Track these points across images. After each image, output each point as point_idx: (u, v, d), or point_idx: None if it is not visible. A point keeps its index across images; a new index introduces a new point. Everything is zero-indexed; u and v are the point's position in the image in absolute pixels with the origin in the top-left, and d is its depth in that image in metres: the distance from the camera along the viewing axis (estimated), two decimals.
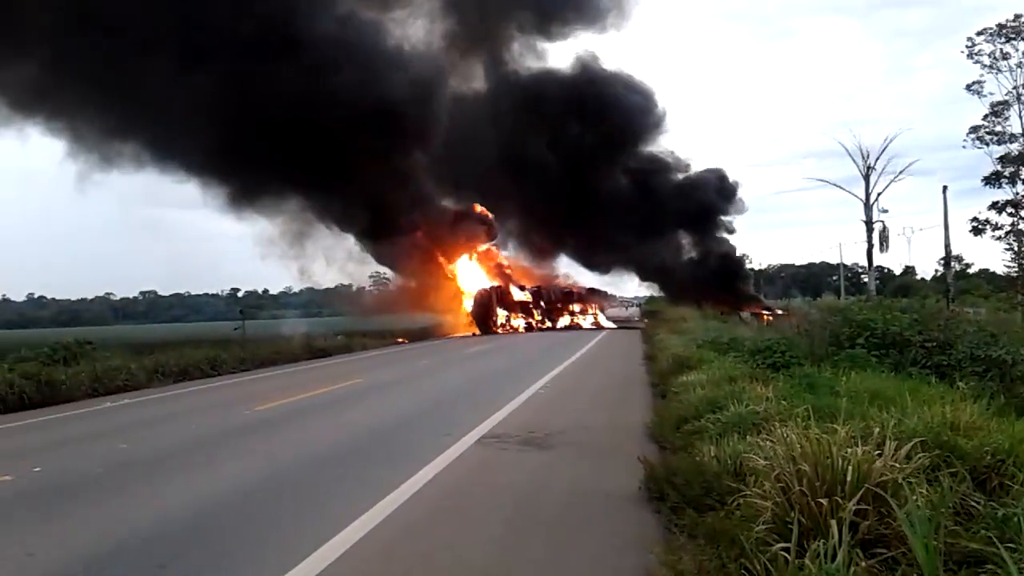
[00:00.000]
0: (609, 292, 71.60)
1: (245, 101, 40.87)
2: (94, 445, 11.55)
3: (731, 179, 57.56)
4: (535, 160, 50.19)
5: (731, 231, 56.37)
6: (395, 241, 48.19)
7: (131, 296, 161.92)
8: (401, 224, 47.68)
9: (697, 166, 57.72)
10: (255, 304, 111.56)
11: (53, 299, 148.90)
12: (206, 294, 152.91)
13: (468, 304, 51.82)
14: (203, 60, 40.28)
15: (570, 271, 61.43)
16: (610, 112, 51.15)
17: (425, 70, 46.21)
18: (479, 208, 53.34)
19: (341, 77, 40.92)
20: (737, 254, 57.07)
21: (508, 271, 57.11)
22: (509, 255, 59.02)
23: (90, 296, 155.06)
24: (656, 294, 68.55)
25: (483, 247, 54.39)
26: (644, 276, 61.09)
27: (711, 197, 54.72)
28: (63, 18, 38.24)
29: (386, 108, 41.50)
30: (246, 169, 44.82)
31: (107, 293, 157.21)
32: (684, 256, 57.01)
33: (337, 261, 53.85)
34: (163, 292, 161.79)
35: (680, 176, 56.09)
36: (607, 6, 53.79)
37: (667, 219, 54.44)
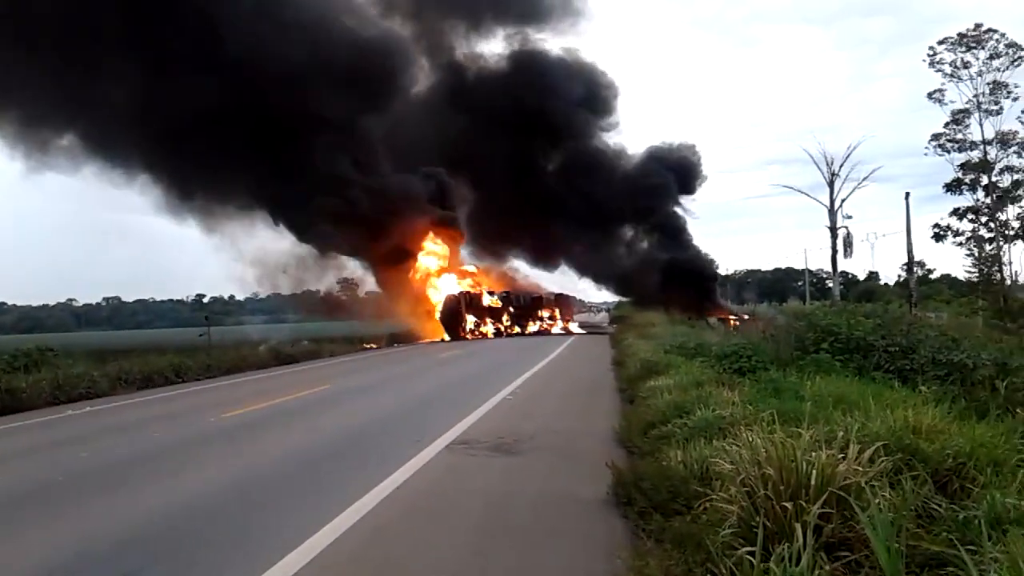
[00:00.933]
0: (578, 297, 71.79)
1: (176, 87, 39.59)
2: (55, 454, 11.38)
3: (690, 160, 56.74)
4: (479, 157, 49.59)
5: (677, 235, 55.62)
6: (345, 230, 45.82)
7: (94, 302, 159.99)
8: (344, 212, 44.79)
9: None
10: (221, 310, 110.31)
11: (14, 305, 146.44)
12: (171, 300, 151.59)
13: (438, 309, 51.63)
14: (130, 48, 39.07)
15: (526, 274, 61.30)
16: (552, 106, 50.26)
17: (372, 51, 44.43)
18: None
19: (277, 59, 39.42)
20: (700, 256, 56.40)
21: (477, 276, 57.04)
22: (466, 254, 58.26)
23: (52, 302, 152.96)
24: (624, 299, 68.70)
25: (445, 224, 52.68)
26: (584, 273, 60.31)
27: (662, 195, 53.99)
28: None
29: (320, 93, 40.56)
30: (183, 163, 43.39)
31: (69, 299, 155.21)
32: (634, 256, 56.73)
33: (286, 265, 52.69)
34: (127, 298, 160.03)
35: (628, 170, 55.29)
36: (560, 11, 53.66)
37: (612, 218, 54.16)
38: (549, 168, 53.90)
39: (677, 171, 55.13)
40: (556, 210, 51.63)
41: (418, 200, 47.05)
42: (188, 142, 41.53)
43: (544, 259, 58.79)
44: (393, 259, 49.28)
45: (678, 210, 56.49)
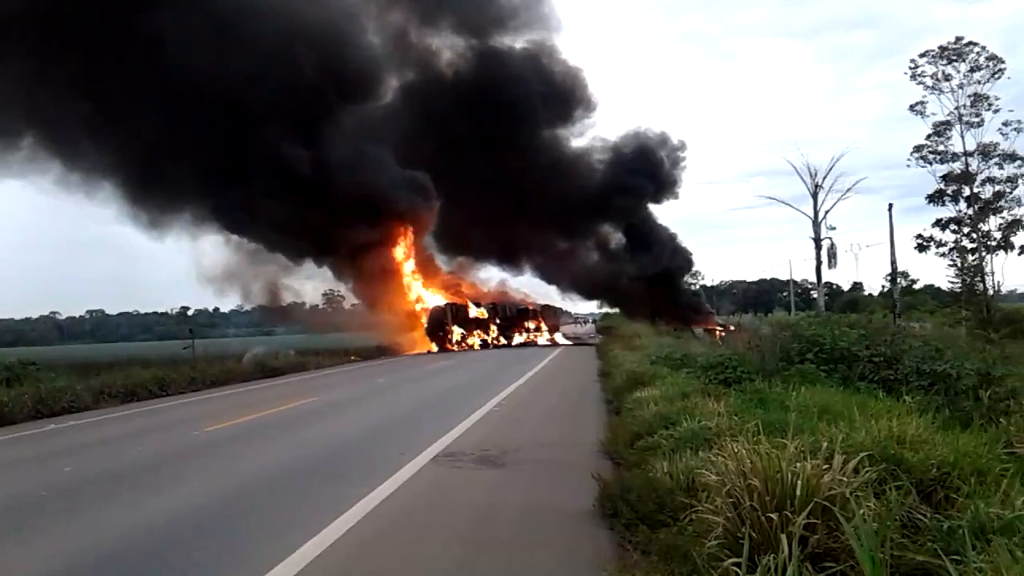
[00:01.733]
0: (564, 308, 71.64)
1: (125, 87, 38.58)
2: (37, 468, 11.28)
3: (661, 158, 55.70)
4: (445, 160, 48.46)
5: (645, 236, 54.46)
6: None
7: (77, 315, 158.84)
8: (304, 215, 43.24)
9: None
10: (205, 323, 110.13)
11: None
12: (155, 313, 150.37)
13: (424, 320, 51.43)
14: (80, 52, 37.96)
15: (511, 284, 60.94)
16: (518, 109, 49.42)
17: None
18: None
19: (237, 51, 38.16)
20: (669, 250, 55.21)
21: (462, 287, 56.92)
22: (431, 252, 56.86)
23: (35, 315, 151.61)
24: (610, 311, 68.74)
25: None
26: (550, 280, 59.52)
27: (629, 198, 53.05)
28: None
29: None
30: (140, 169, 42.25)
31: (52, 312, 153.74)
32: (587, 258, 56.45)
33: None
34: (110, 311, 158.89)
35: (594, 175, 54.41)
36: (532, 25, 53.23)
37: (577, 222, 53.82)
38: (514, 171, 52.86)
39: (648, 170, 54.52)
40: (521, 213, 51.18)
41: (388, 199, 45.26)
42: (142, 146, 40.57)
43: (509, 264, 58.45)
44: (359, 259, 47.91)
45: (647, 210, 56.11)
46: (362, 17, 48.27)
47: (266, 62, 39.01)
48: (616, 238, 57.17)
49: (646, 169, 54.31)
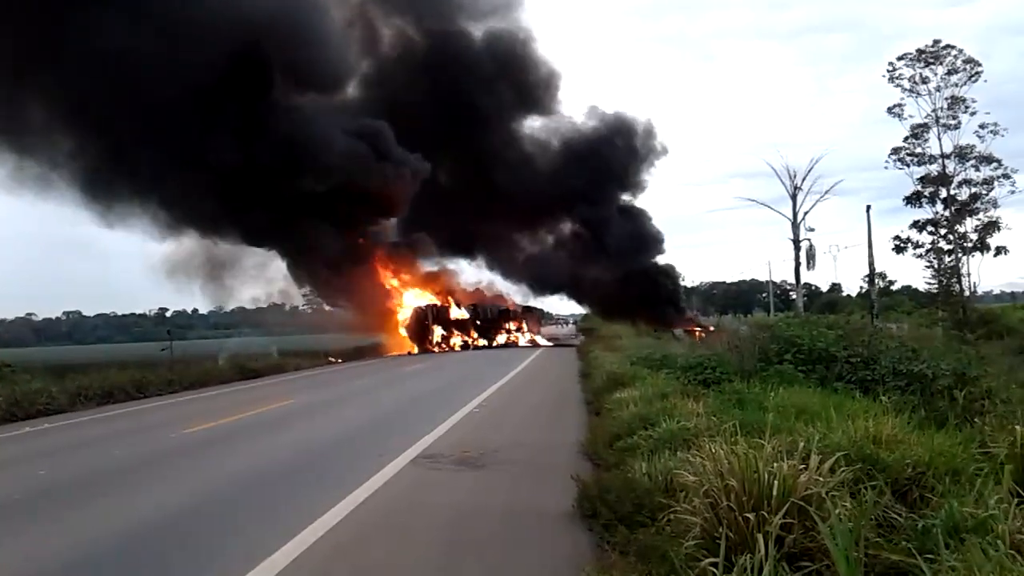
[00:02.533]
0: (545, 310, 71.71)
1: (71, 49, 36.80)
2: (11, 471, 11.16)
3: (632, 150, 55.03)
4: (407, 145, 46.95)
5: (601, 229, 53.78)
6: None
7: (54, 316, 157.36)
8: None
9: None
10: (184, 324, 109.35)
11: None
12: (132, 314, 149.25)
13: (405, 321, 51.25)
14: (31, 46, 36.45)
15: (492, 285, 60.67)
16: (479, 100, 48.98)
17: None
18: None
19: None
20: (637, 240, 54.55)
21: (443, 287, 56.78)
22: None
23: (10, 317, 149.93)
24: (589, 312, 68.59)
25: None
26: (508, 274, 58.72)
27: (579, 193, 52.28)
28: None
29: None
30: (88, 153, 40.75)
31: (28, 313, 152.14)
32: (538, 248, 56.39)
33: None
34: (88, 312, 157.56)
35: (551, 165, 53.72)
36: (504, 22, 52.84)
37: (533, 215, 53.63)
38: (477, 163, 51.81)
39: (617, 168, 54.16)
40: (485, 208, 50.96)
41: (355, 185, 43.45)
42: (88, 137, 39.68)
43: (470, 258, 58.31)
44: (325, 252, 46.10)
45: (612, 209, 55.42)
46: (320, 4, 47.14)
47: (216, 45, 37.77)
48: (582, 234, 56.90)
49: (615, 168, 54.16)
